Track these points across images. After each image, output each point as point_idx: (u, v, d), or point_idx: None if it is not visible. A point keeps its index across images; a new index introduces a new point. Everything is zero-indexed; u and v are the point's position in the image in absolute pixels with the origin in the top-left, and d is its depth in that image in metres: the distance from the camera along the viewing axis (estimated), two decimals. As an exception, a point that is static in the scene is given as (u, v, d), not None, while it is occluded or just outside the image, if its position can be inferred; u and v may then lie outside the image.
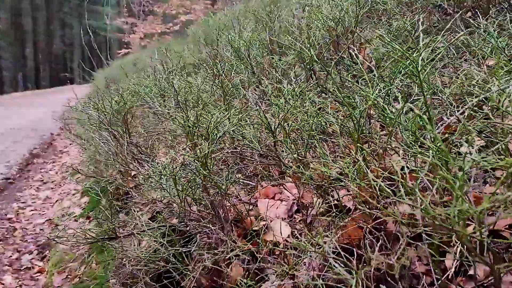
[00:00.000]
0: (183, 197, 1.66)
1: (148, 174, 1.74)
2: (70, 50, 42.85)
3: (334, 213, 1.48)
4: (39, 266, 4.47)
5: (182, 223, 1.74)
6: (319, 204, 1.65)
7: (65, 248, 4.20)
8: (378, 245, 1.13)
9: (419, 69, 1.16)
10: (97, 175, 3.77)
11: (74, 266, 3.89)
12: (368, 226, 1.18)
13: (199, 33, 5.43)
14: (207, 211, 1.63)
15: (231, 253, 1.29)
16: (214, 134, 1.66)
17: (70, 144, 8.70)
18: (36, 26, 38.92)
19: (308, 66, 2.39)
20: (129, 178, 3.11)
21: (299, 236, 1.61)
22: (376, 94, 1.28)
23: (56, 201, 6.37)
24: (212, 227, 1.56)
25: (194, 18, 16.35)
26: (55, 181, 7.40)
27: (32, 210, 6.12)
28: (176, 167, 1.59)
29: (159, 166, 1.63)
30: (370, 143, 1.63)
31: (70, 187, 6.60)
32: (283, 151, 1.94)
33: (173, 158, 1.75)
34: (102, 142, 2.78)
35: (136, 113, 3.75)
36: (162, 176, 1.66)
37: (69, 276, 3.88)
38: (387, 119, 1.43)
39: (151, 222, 2.13)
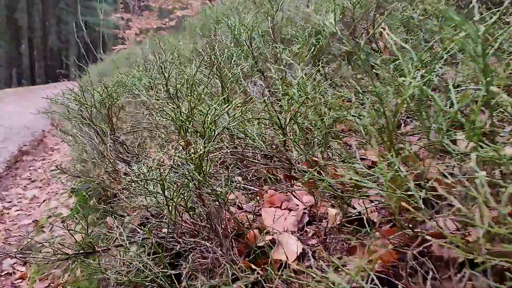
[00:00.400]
0: (173, 205, 1.38)
1: (131, 178, 1.45)
2: (66, 47, 42.29)
3: (359, 230, 1.20)
4: (21, 271, 4.15)
5: (171, 237, 1.45)
6: (337, 216, 1.37)
7: (49, 252, 3.89)
8: (430, 277, 0.84)
9: (484, 49, 0.88)
10: (84, 175, 3.48)
11: (58, 273, 3.59)
12: (413, 251, 0.90)
13: (195, 23, 5.13)
14: (202, 223, 1.35)
15: (234, 285, 1.01)
16: (211, 130, 1.37)
17: (62, 141, 8.37)
18: (32, 23, 38.39)
19: (318, 55, 2.11)
20: (116, 179, 2.81)
21: (314, 255, 1.33)
22: (419, 82, 1.00)
23: (44, 200, 6.05)
24: (208, 244, 1.27)
25: (191, 13, 16.00)
26: (44, 179, 7.07)
27: (17, 210, 5.79)
28: (164, 170, 1.29)
29: (143, 168, 1.35)
30: (399, 143, 1.35)
31: (59, 186, 6.26)
32: (291, 151, 1.65)
33: (162, 158, 1.46)
34: (86, 139, 2.49)
35: (127, 108, 3.45)
36: (148, 181, 1.37)
37: (51, 284, 3.58)
38: (425, 114, 1.15)
39: (139, 229, 1.84)
